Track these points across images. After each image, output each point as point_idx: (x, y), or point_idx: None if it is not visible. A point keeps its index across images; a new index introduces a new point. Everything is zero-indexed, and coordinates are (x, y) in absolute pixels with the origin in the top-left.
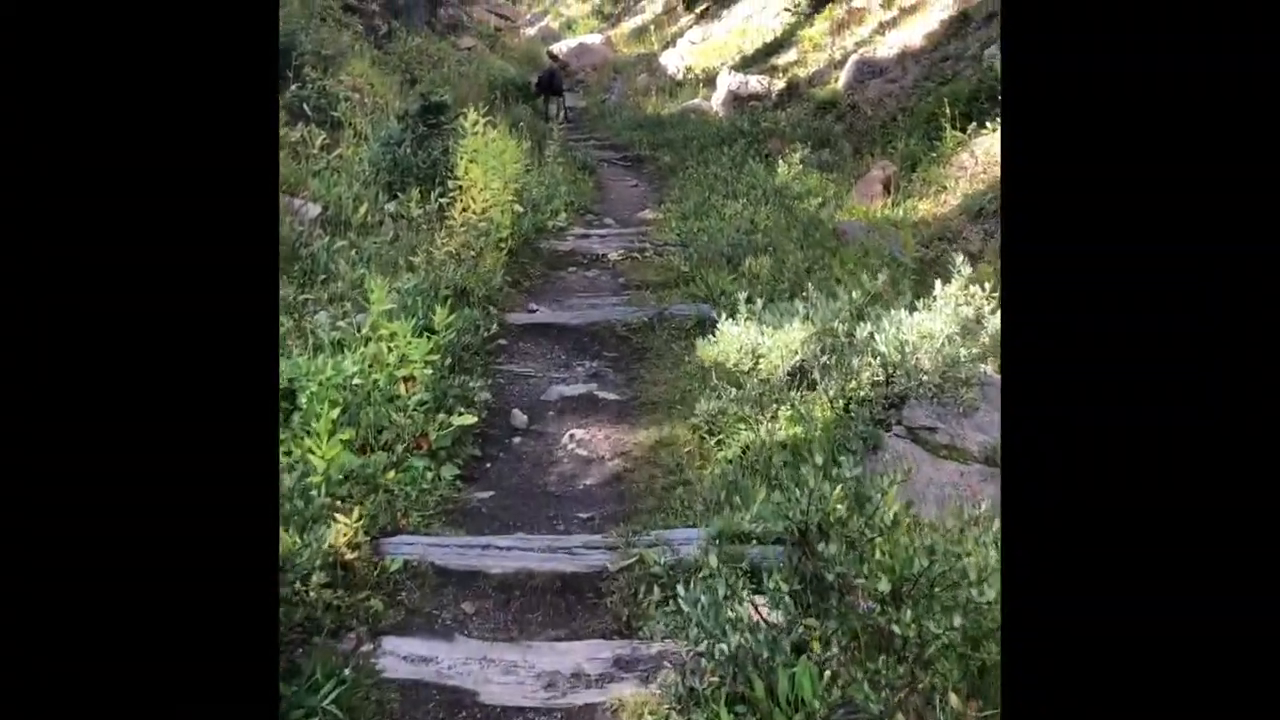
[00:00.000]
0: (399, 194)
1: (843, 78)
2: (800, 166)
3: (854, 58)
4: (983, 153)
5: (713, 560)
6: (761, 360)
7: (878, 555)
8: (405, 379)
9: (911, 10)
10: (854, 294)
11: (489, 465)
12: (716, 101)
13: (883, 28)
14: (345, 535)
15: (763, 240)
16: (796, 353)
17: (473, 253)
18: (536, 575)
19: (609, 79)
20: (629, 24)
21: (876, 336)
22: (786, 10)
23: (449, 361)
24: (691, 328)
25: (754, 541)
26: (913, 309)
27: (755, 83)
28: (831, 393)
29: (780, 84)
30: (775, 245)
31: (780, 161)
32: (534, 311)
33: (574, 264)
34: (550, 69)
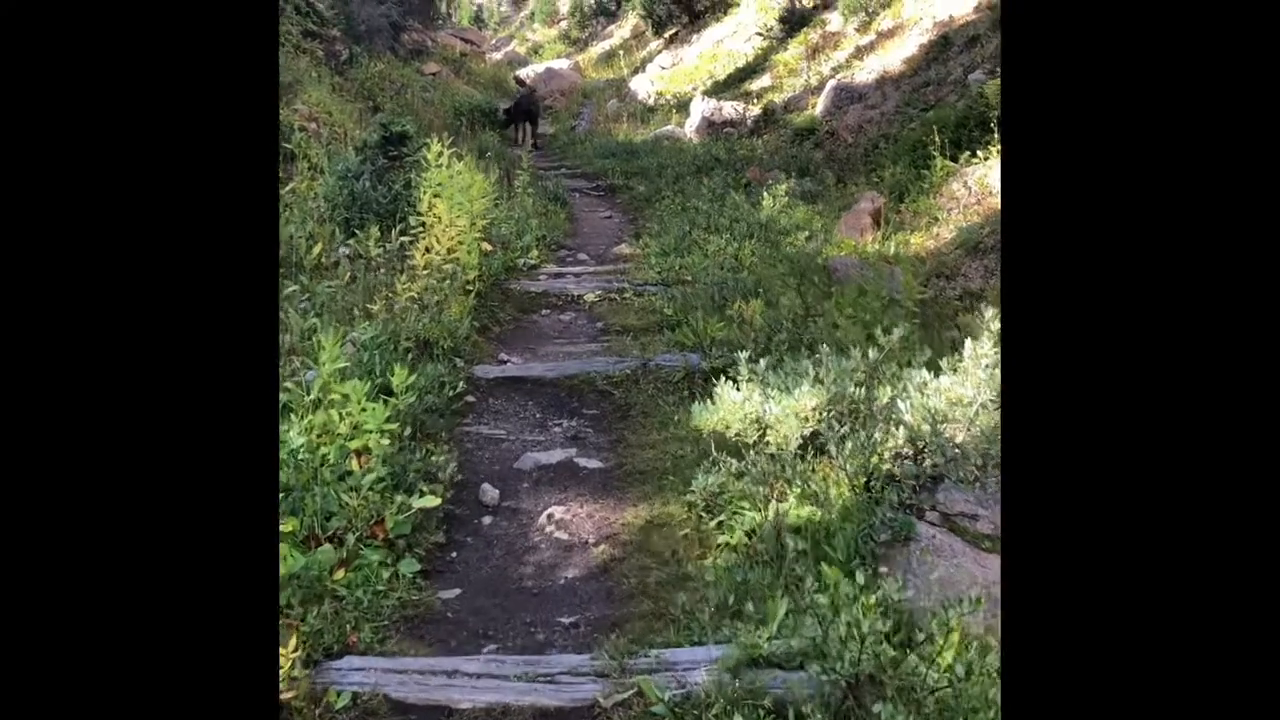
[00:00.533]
0: (357, 231)
1: (820, 103)
2: (786, 199)
3: (831, 83)
4: (976, 182)
5: (727, 695)
6: (769, 431)
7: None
8: (359, 452)
9: (889, 35)
10: (869, 351)
11: (455, 554)
12: (690, 128)
13: (860, 52)
14: (281, 667)
15: (750, 279)
16: (808, 420)
17: (437, 298)
18: (513, 712)
19: (578, 105)
20: (597, 49)
21: (900, 403)
22: (759, 34)
23: (410, 430)
24: (679, 380)
25: (774, 668)
26: (936, 368)
27: (730, 109)
28: (851, 468)
29: (756, 110)
30: (764, 284)
31: (764, 194)
32: (505, 363)
33: (548, 306)
34: (527, 94)
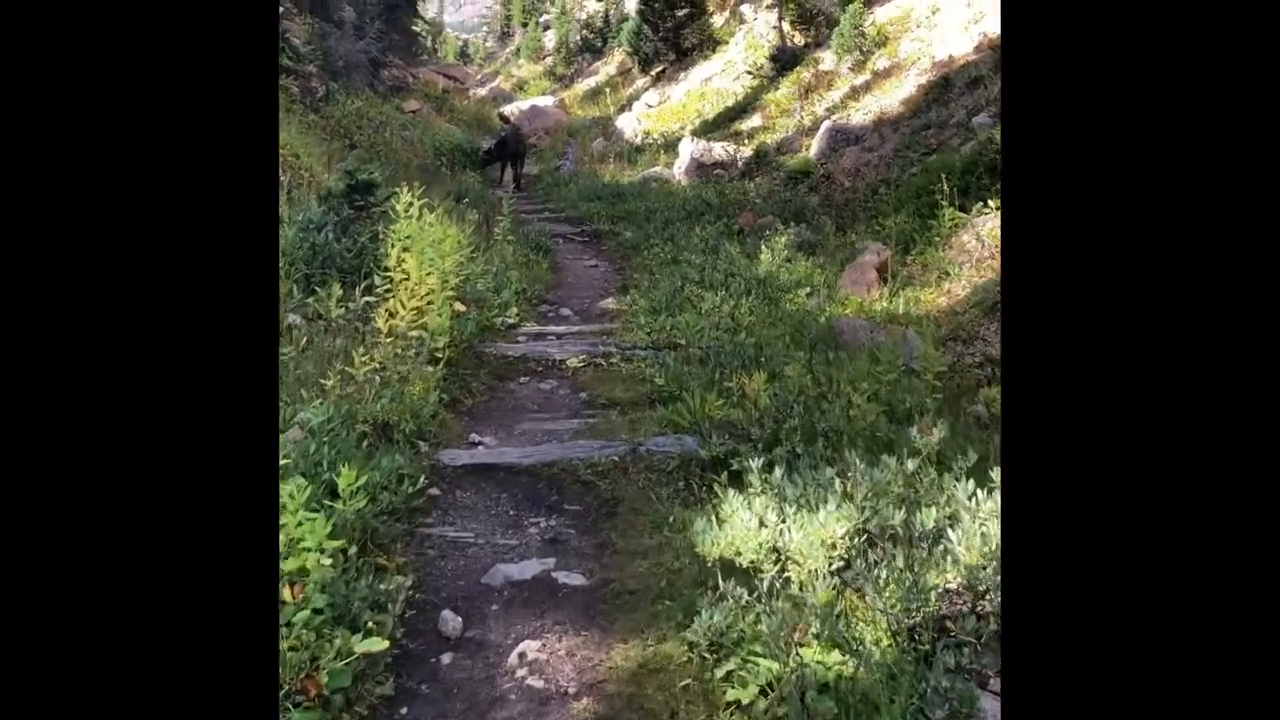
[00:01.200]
0: (318, 289)
1: (814, 145)
2: (785, 251)
3: (826, 124)
4: (989, 235)
5: None
6: (790, 564)
7: None
8: (292, 579)
9: (886, 74)
10: (905, 459)
11: (405, 709)
12: (679, 170)
13: (855, 92)
14: None
15: (748, 342)
16: (835, 546)
17: (400, 372)
18: None
19: (563, 144)
20: (582, 85)
21: (950, 532)
22: (749, 73)
23: (358, 544)
24: (674, 468)
25: None
26: (984, 479)
27: (720, 150)
28: (892, 613)
29: (747, 151)
30: (765, 349)
31: (762, 246)
32: (476, 445)
33: (527, 373)
34: (510, 132)
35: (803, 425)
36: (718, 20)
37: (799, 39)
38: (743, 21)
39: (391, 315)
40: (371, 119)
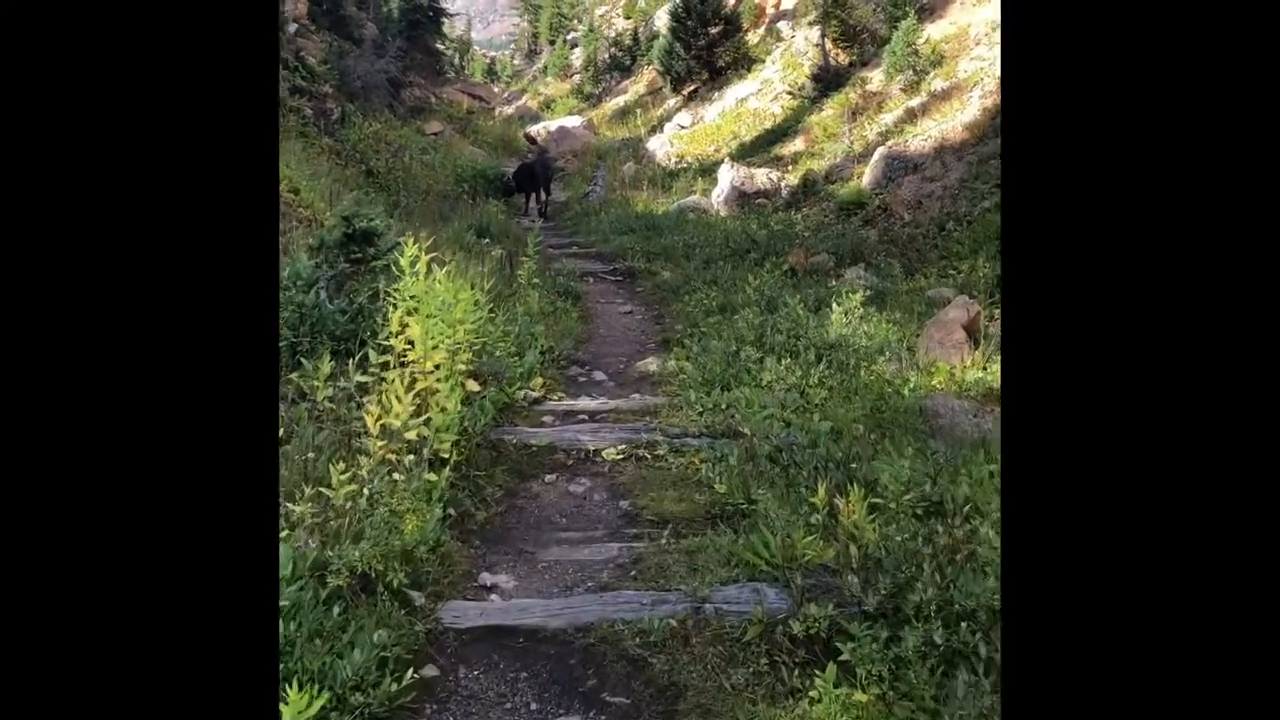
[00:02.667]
0: (304, 361)
1: (867, 174)
2: (860, 309)
3: (880, 150)
4: None
5: None
6: None
7: None
8: None
9: (944, 96)
10: None
11: None
12: (718, 198)
13: (910, 115)
14: None
15: (823, 428)
16: None
17: (391, 503)
18: None
19: (592, 168)
20: (611, 104)
21: None
22: (788, 93)
23: None
24: (753, 640)
25: None
26: None
27: (763, 177)
28: None
29: (792, 179)
30: (844, 436)
31: (834, 304)
32: (488, 591)
33: (553, 466)
34: (537, 156)
35: (937, 595)
36: (752, 37)
37: (842, 57)
38: (780, 39)
39: (384, 413)
40: (390, 143)
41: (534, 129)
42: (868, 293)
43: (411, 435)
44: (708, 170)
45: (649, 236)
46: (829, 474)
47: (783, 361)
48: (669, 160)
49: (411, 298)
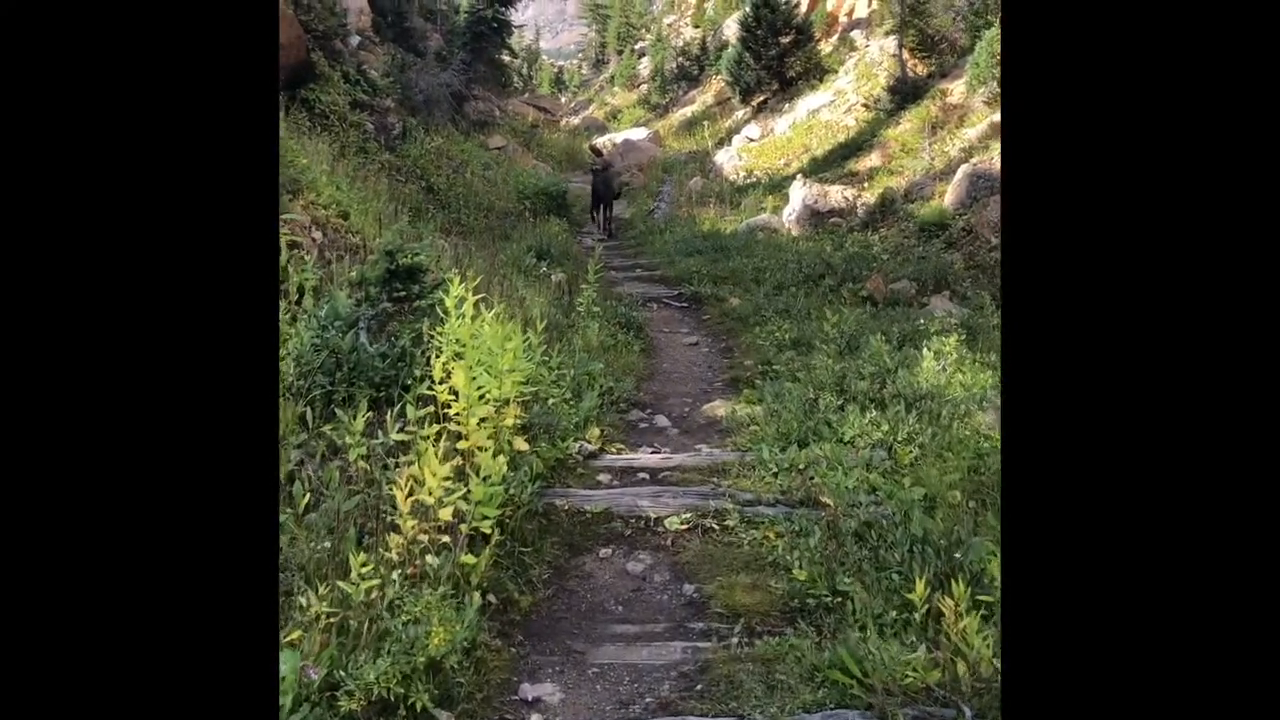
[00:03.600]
0: (338, 412)
1: (950, 192)
2: (954, 355)
3: (964, 168)
4: None
5: None
6: None
7: None
8: None
9: None
10: None
11: None
12: (789, 216)
13: (996, 130)
14: None
15: (915, 495)
16: None
17: (417, 606)
18: None
19: (657, 182)
20: (677, 115)
21: None
22: (863, 105)
23: None
24: None
25: None
26: None
27: (837, 195)
28: None
29: (868, 197)
30: (940, 506)
31: (925, 349)
32: (529, 708)
33: (609, 538)
34: (601, 170)
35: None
36: (825, 47)
37: (920, 68)
38: (853, 48)
39: (416, 488)
40: (451, 158)
41: (599, 141)
42: (961, 333)
43: (446, 514)
44: (778, 186)
45: (716, 259)
46: (926, 561)
47: (867, 414)
48: (737, 174)
49: (456, 342)
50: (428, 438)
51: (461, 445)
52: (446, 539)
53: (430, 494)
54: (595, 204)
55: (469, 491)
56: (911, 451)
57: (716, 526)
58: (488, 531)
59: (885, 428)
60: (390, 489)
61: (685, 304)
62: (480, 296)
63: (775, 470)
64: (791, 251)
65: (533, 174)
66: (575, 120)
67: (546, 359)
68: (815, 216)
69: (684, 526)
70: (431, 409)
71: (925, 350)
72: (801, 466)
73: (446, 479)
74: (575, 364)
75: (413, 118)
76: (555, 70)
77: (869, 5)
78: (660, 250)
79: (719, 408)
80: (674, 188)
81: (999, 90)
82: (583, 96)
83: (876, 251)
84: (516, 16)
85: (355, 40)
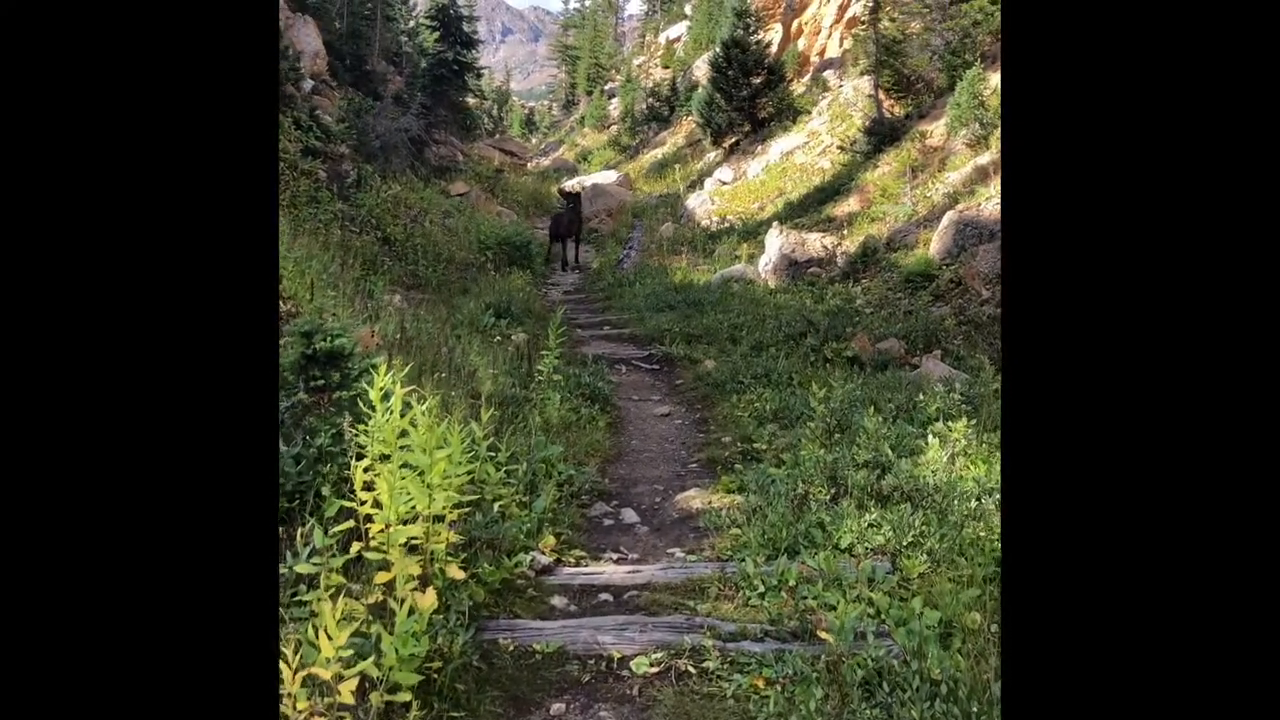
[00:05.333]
0: None
1: (935, 241)
2: (963, 441)
3: (950, 215)
4: None
5: None
6: None
7: None
8: None
9: None
10: None
11: None
12: (765, 266)
13: (981, 174)
14: None
15: (931, 622)
16: None
17: None
18: None
19: (627, 228)
20: (648, 156)
21: None
22: (839, 147)
23: None
24: None
25: None
26: None
27: (816, 243)
28: None
29: (848, 245)
30: (958, 635)
31: (929, 436)
32: None
33: (562, 687)
34: (565, 209)
35: None
36: (797, 88)
37: (896, 109)
38: (826, 89)
39: (312, 645)
40: (410, 206)
41: (568, 184)
42: (968, 415)
43: (347, 692)
44: (752, 232)
45: (689, 315)
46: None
47: (865, 514)
48: (710, 219)
49: (386, 444)
50: (328, 591)
51: (382, 577)
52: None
53: (324, 665)
54: (556, 243)
55: (379, 650)
56: (920, 561)
57: (693, 670)
58: (407, 699)
59: (887, 531)
60: (284, 643)
61: (656, 366)
62: (410, 389)
63: (762, 589)
64: (769, 306)
65: (495, 222)
66: (545, 161)
67: (494, 454)
68: (793, 266)
69: (654, 670)
70: (351, 523)
71: (930, 439)
72: (792, 583)
73: (346, 648)
74: (531, 449)
75: (369, 164)
76: (526, 111)
77: (840, 46)
78: (630, 305)
79: (694, 498)
80: (644, 234)
81: (981, 132)
82: (553, 138)
83: (859, 305)
84: (486, 58)
85: (309, 84)
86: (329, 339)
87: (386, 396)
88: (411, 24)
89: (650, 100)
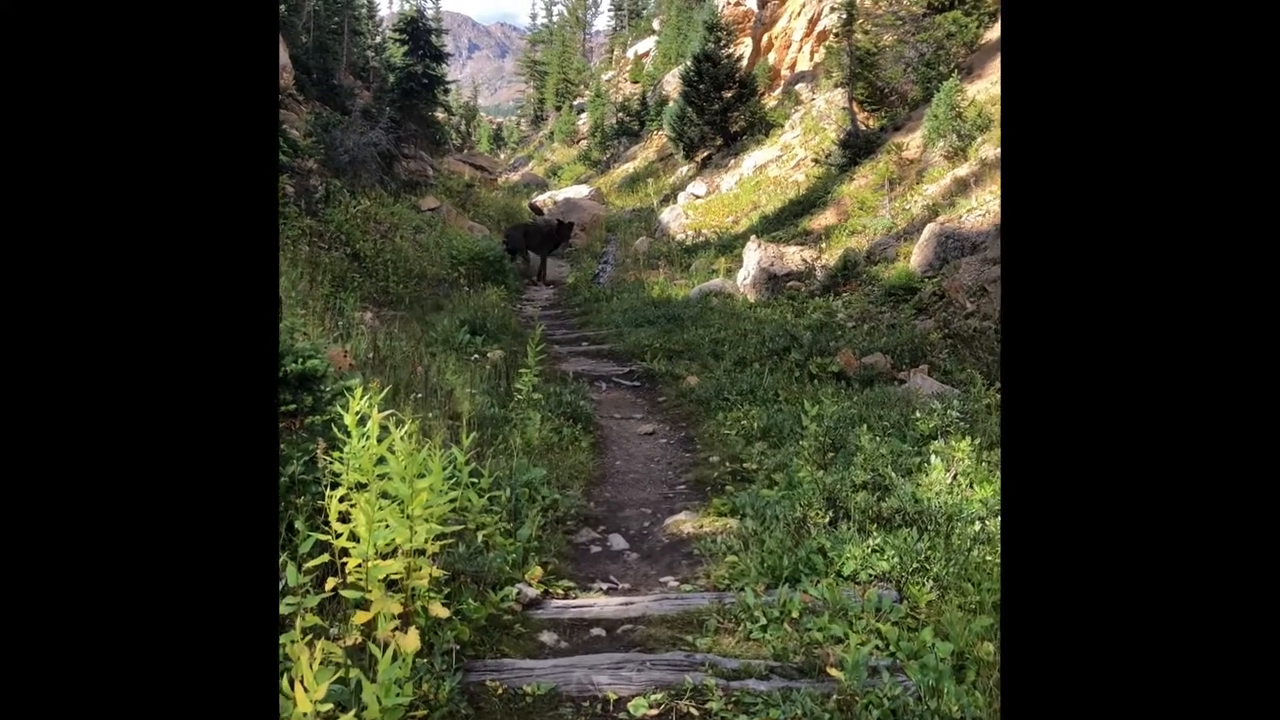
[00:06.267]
0: None
1: (916, 253)
2: (966, 462)
3: (931, 227)
4: None
5: None
6: None
7: None
8: None
9: (998, 164)
10: None
11: None
12: (744, 280)
13: (961, 186)
14: None
15: (943, 653)
16: None
17: None
18: None
19: (601, 242)
20: (620, 170)
21: None
22: (814, 160)
23: None
24: None
25: None
26: None
27: (795, 257)
28: None
29: (828, 258)
30: (970, 666)
31: (933, 457)
32: None
33: None
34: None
35: None
36: (769, 101)
37: (871, 121)
38: (799, 102)
39: (287, 696)
40: (379, 222)
41: (539, 198)
42: (970, 435)
43: None
44: (728, 246)
45: (669, 330)
46: None
47: (868, 539)
48: (684, 233)
49: (358, 470)
50: (304, 636)
51: (360, 617)
52: None
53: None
54: (523, 251)
55: (363, 708)
56: (927, 587)
57: (696, 711)
58: None
59: (891, 556)
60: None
61: (638, 383)
62: (388, 413)
63: (764, 621)
64: (750, 320)
65: (468, 237)
66: (515, 176)
67: (476, 479)
68: (772, 280)
69: (654, 712)
70: (326, 557)
71: (933, 459)
72: (795, 615)
73: (325, 700)
74: (513, 473)
75: (337, 179)
76: (494, 127)
77: (811, 59)
78: (608, 320)
79: (685, 523)
80: (619, 248)
81: (959, 144)
82: (522, 153)
83: (841, 319)
84: (454, 73)
85: None
86: (300, 360)
87: (363, 421)
88: (379, 39)
89: (620, 115)
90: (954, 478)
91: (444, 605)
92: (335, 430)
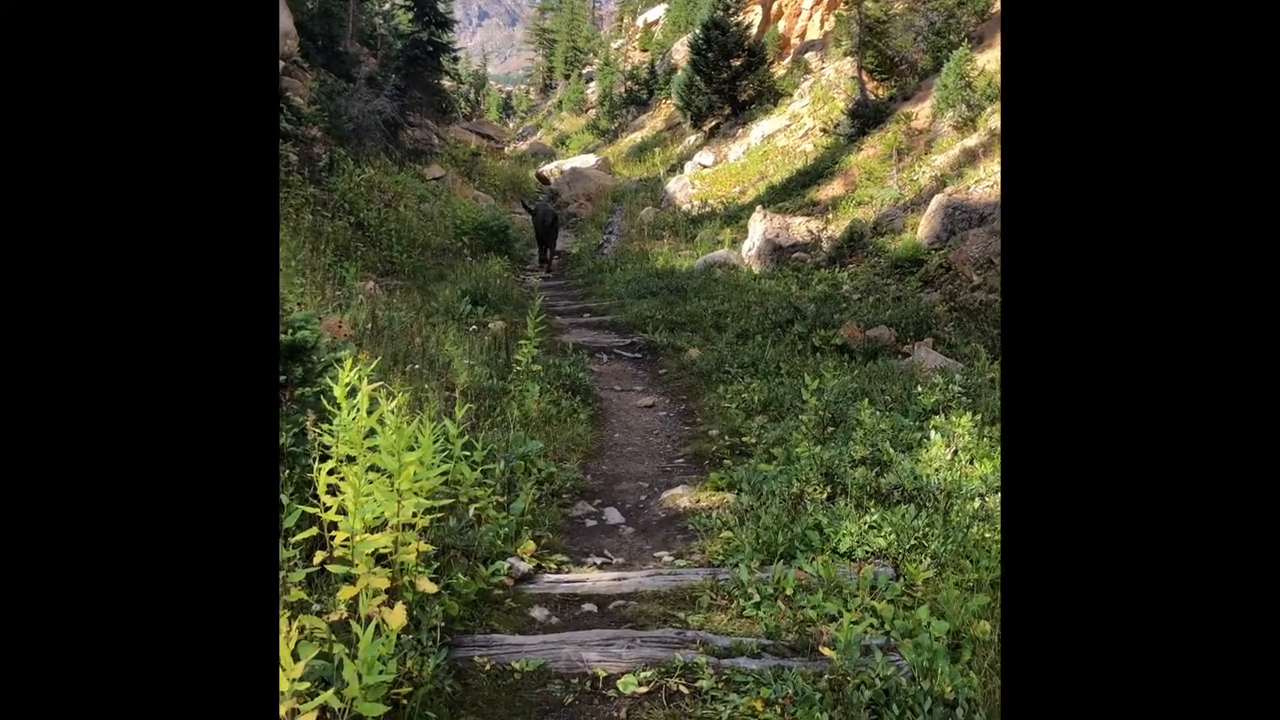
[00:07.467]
0: None
1: (923, 225)
2: (967, 438)
3: (938, 199)
4: None
5: None
6: None
7: None
8: None
9: None
10: None
11: None
12: (749, 251)
13: (970, 156)
14: None
15: (938, 632)
16: None
17: None
18: None
19: (606, 212)
20: (627, 140)
21: None
22: (822, 130)
23: None
24: None
25: None
26: None
27: (800, 228)
28: None
29: (834, 229)
30: (966, 647)
31: (933, 433)
32: None
33: (545, 711)
34: (542, 205)
35: None
36: (778, 70)
37: (880, 91)
38: (808, 71)
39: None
40: (384, 191)
41: (546, 168)
42: (970, 409)
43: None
44: (734, 216)
45: (672, 301)
46: None
47: (865, 515)
48: (691, 204)
49: (352, 444)
50: (287, 610)
51: (347, 592)
52: None
53: (280, 699)
54: (537, 242)
55: (340, 678)
56: (924, 564)
57: (686, 690)
58: None
59: (888, 533)
60: None
61: (639, 355)
62: (378, 385)
63: (758, 598)
64: (754, 292)
65: (473, 207)
66: (522, 145)
67: (469, 453)
68: (777, 251)
69: (643, 690)
70: (314, 530)
71: (932, 434)
72: (789, 592)
73: (306, 675)
74: (509, 445)
75: (341, 148)
76: (503, 95)
77: (821, 28)
78: (610, 291)
79: (681, 497)
80: (624, 219)
81: (969, 114)
82: (531, 122)
83: (846, 291)
84: (463, 41)
85: (279, 65)
86: (291, 331)
87: (353, 393)
88: (386, 5)
89: (629, 84)
90: (954, 453)
91: (432, 580)
92: (325, 402)
